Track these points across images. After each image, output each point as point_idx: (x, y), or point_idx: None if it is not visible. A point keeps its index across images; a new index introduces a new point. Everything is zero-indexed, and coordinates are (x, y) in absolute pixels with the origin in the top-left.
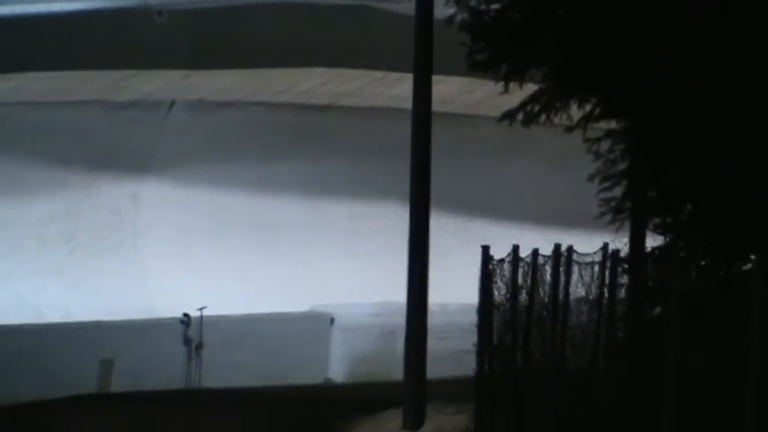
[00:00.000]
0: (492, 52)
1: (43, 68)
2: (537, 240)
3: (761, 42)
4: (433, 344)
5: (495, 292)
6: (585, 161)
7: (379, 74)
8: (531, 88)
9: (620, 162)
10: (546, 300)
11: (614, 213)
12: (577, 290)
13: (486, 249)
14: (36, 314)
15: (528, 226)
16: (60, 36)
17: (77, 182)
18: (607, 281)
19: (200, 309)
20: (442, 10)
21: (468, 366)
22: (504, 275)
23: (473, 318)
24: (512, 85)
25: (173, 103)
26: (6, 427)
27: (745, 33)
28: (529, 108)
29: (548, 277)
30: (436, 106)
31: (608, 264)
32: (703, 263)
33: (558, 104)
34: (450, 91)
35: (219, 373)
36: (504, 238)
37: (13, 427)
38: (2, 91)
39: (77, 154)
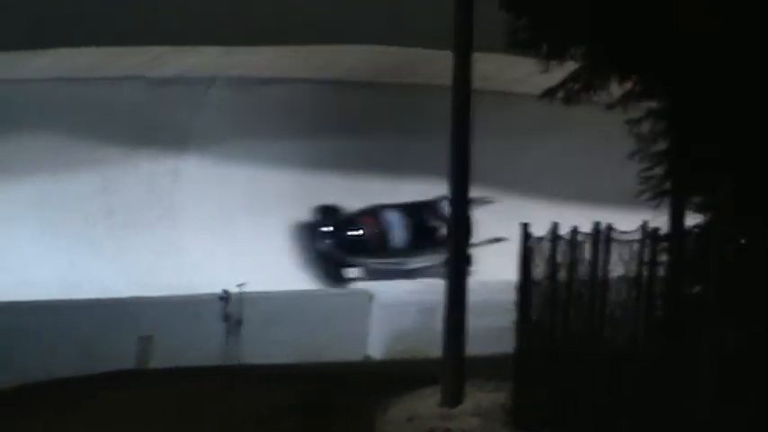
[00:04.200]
0: (532, 31)
1: (82, 44)
2: (576, 218)
3: None
4: (471, 321)
5: (535, 270)
6: (625, 139)
7: (420, 51)
8: (571, 66)
9: (659, 141)
10: (585, 277)
11: (654, 192)
12: (617, 268)
13: (525, 227)
14: (75, 290)
15: (567, 203)
16: (100, 11)
17: (116, 158)
18: (646, 259)
19: (240, 285)
20: None
21: (507, 344)
22: (543, 253)
23: (512, 295)
24: (551, 63)
25: (213, 79)
26: (44, 401)
27: None
28: (569, 86)
29: (587, 255)
30: (476, 83)
31: (647, 242)
32: (743, 241)
33: (597, 83)
34: (489, 69)
35: (258, 350)
36: (543, 216)
37: (50, 402)
38: (40, 67)
39: (116, 130)
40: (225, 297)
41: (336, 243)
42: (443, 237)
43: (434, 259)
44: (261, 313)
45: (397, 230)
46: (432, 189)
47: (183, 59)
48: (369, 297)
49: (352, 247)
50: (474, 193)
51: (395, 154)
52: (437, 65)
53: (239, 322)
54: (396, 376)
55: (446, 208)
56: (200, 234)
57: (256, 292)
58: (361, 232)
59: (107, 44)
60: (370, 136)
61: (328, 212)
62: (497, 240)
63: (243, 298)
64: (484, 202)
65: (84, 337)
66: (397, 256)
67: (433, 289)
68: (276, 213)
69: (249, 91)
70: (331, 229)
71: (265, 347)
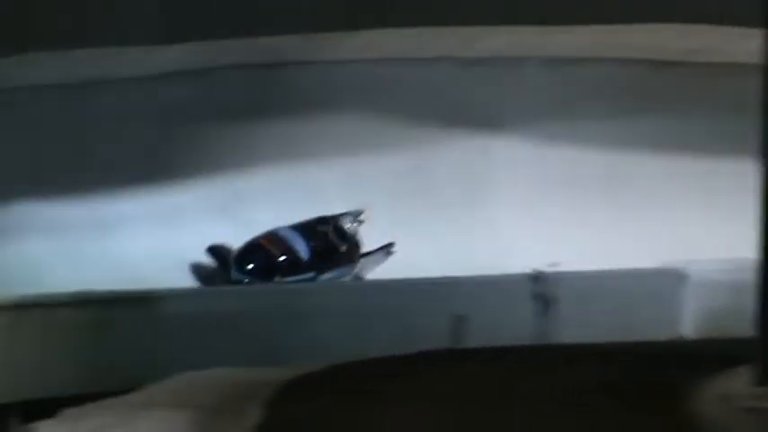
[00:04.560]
0: None
1: (397, 25)
2: None
3: None
4: None
5: None
6: None
7: (730, 29)
8: None
9: None
10: None
11: None
12: None
13: None
14: (387, 269)
15: None
16: None
17: (428, 138)
18: None
19: (551, 265)
20: None
21: None
22: None
23: None
24: None
25: (524, 59)
26: (356, 380)
27: None
28: None
29: None
30: None
31: None
32: None
33: None
34: None
35: (569, 330)
36: None
37: (362, 381)
38: (356, 48)
39: (429, 110)
40: (537, 276)
41: (252, 270)
42: (346, 253)
43: (343, 275)
44: (572, 292)
45: (302, 249)
46: (746, 169)
47: (496, 39)
48: (681, 276)
49: (266, 272)
50: None
51: (708, 134)
52: (749, 43)
53: (551, 302)
54: (708, 355)
55: (347, 224)
56: (512, 214)
57: (567, 272)
58: (281, 258)
59: (422, 25)
60: (682, 115)
61: (219, 252)
62: (387, 247)
63: (555, 277)
64: (355, 219)
65: (398, 316)
66: (306, 274)
67: (747, 268)
68: (587, 193)
69: (560, 71)
70: (243, 257)
71: (576, 327)
